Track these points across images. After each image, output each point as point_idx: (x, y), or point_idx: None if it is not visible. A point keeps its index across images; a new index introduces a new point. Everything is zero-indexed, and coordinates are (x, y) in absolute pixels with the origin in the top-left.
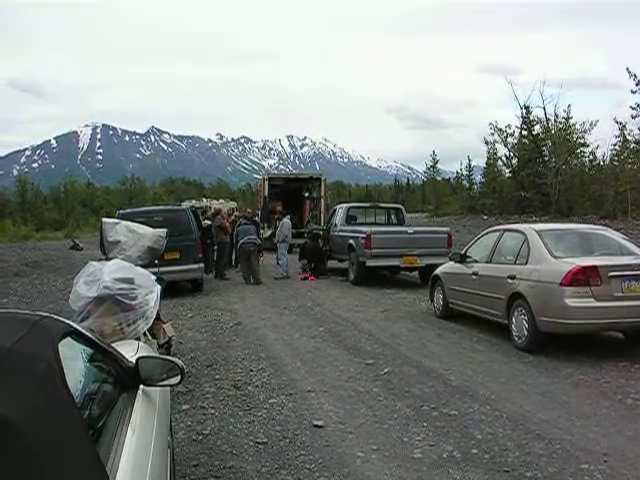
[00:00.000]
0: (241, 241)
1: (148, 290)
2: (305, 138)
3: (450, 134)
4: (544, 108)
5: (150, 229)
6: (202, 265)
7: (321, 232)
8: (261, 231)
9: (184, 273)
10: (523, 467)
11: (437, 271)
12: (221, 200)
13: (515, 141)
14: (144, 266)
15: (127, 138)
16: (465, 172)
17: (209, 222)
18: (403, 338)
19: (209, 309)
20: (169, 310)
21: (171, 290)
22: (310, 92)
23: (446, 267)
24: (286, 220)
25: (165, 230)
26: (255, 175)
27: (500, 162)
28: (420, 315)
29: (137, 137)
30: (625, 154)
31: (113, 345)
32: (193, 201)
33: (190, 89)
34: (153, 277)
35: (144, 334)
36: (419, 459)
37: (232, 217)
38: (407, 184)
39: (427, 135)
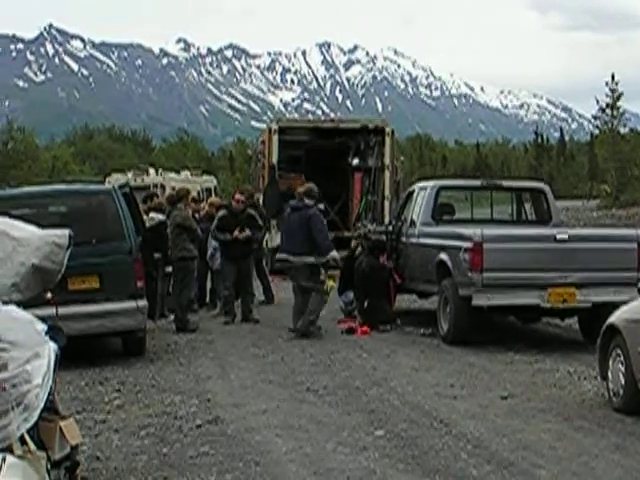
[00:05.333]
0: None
1: (30, 353)
2: (355, 49)
3: None
4: None
5: (37, 231)
6: (144, 303)
7: (384, 238)
8: (266, 235)
9: (107, 319)
10: None
11: (615, 318)
12: (186, 172)
13: None
14: (23, 304)
15: None
16: None
17: (160, 217)
18: (544, 453)
19: (156, 390)
20: (75, 393)
21: (79, 352)
22: None
23: (633, 310)
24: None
25: (67, 232)
26: (255, 124)
27: None
28: (580, 406)
29: (20, 47)
30: None
31: None
32: (129, 174)
33: None
34: (41, 327)
35: (21, 440)
36: None
37: (205, 206)
38: (560, 141)
39: (599, 43)
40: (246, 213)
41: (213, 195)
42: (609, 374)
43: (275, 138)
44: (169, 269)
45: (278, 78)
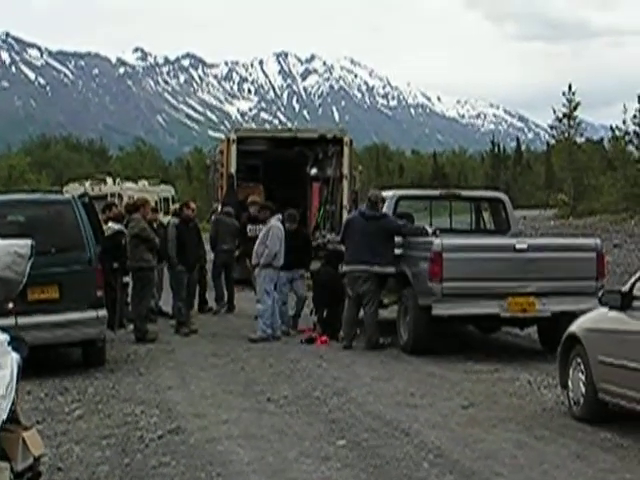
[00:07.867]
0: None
1: None
2: (312, 58)
3: (601, 51)
4: None
5: None
6: (104, 313)
7: (342, 248)
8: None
9: (67, 329)
10: None
11: (575, 327)
12: (143, 182)
13: None
14: None
15: None
16: (634, 126)
17: (117, 226)
18: (505, 462)
19: (116, 401)
20: (35, 403)
21: (40, 362)
22: None
23: (593, 319)
24: (274, 223)
25: (29, 242)
26: (213, 133)
27: None
28: (540, 415)
29: None
30: None
31: None
32: (87, 184)
33: None
34: (3, 337)
35: None
36: None
37: (163, 217)
38: (516, 150)
39: (554, 53)
40: (195, 222)
41: (171, 204)
42: (569, 383)
43: (233, 148)
44: (127, 279)
45: (235, 87)
